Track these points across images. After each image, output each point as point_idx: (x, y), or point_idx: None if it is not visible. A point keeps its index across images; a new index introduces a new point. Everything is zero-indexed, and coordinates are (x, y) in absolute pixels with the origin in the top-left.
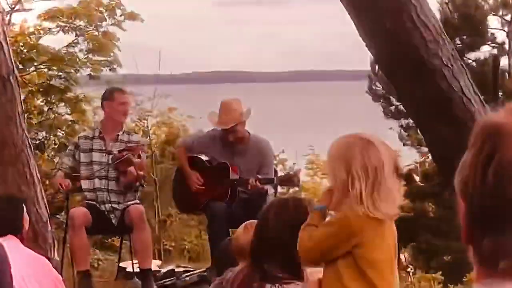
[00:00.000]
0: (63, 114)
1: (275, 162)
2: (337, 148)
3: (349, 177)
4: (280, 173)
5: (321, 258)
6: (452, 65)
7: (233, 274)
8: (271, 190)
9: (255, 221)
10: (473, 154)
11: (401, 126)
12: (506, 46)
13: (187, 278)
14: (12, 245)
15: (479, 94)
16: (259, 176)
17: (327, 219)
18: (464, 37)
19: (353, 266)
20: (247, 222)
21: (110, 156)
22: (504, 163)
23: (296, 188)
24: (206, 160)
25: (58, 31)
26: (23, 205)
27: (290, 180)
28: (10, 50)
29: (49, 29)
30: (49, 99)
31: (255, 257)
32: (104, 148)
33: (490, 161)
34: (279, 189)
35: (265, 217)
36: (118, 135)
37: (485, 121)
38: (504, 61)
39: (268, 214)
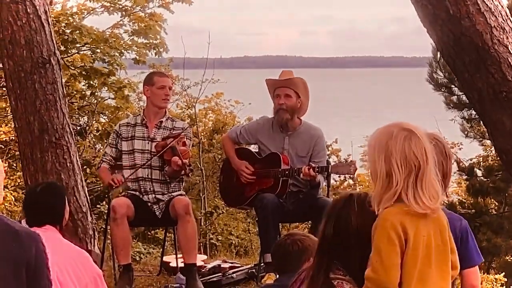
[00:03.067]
0: (106, 99)
1: (328, 152)
2: (377, 138)
3: (389, 169)
4: (333, 163)
5: (396, 277)
6: None
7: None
8: (323, 182)
9: None
10: None
11: (464, 117)
12: None
13: (234, 275)
14: (50, 236)
15: None
16: (313, 164)
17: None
18: None
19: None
20: None
21: (153, 144)
22: None
23: (351, 181)
24: (255, 152)
25: (103, 12)
26: (64, 194)
27: (346, 168)
28: (52, 31)
29: (93, 9)
30: (91, 83)
31: (325, 252)
32: (147, 135)
33: None
34: (332, 181)
35: (343, 212)
36: (162, 121)
37: None
38: None
39: (346, 208)
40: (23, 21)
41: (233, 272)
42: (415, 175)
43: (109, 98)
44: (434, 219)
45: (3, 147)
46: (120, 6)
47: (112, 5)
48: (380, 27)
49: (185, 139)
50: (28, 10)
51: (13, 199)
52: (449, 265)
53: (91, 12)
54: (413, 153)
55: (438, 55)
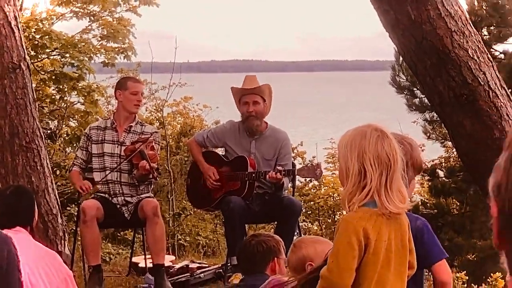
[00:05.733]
0: (75, 103)
1: (293, 154)
2: (350, 138)
3: (361, 168)
4: (298, 166)
5: (349, 280)
6: (478, 57)
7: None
8: (287, 184)
9: (304, 237)
10: (506, 158)
11: (426, 119)
12: None
13: (202, 275)
14: (21, 237)
15: (506, 88)
16: (279, 168)
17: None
18: (492, 28)
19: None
20: (295, 240)
21: (123, 148)
22: None
23: (316, 182)
24: (221, 155)
25: (72, 17)
26: (33, 197)
27: (312, 171)
28: (22, 36)
29: (62, 14)
30: (61, 87)
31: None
32: (116, 139)
33: None
34: (297, 182)
35: None
36: (131, 125)
37: None
38: None
39: None
40: None
41: (201, 272)
42: (386, 174)
43: (78, 103)
44: (397, 222)
45: None
46: (89, 11)
47: (81, 10)
48: (344, 31)
49: (153, 144)
50: None
51: None
52: (407, 265)
53: (60, 17)
54: (385, 153)
55: (401, 59)
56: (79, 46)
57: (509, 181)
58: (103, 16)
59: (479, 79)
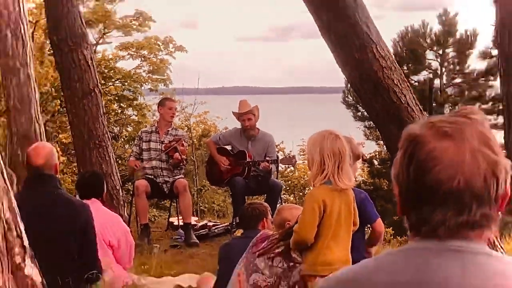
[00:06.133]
0: (131, 115)
1: (276, 149)
2: (314, 139)
3: (322, 159)
4: (281, 157)
5: (312, 234)
6: (400, 85)
7: (267, 243)
8: (274, 169)
9: (284, 205)
10: (400, 155)
11: (366, 126)
12: (438, 72)
13: (216, 230)
14: (95, 205)
15: (419, 105)
16: (268, 158)
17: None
18: (410, 65)
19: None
20: (279, 207)
21: (163, 145)
22: (419, 163)
23: (292, 168)
24: (229, 150)
25: (129, 58)
26: (103, 178)
27: (289, 160)
28: (95, 70)
29: (123, 56)
30: (122, 105)
31: (285, 237)
32: (159, 139)
33: (411, 161)
34: (279, 168)
35: None
36: (169, 130)
37: (407, 131)
38: (436, 82)
39: None
40: (76, 64)
41: (215, 228)
42: (338, 163)
43: (133, 115)
44: (346, 194)
45: (64, 147)
46: (140, 54)
47: (135, 53)
48: (311, 65)
49: (183, 142)
50: (79, 57)
51: (70, 181)
52: (352, 223)
53: (121, 58)
54: (338, 149)
55: (349, 86)
56: (134, 77)
57: (404, 171)
58: (150, 58)
59: (401, 99)
